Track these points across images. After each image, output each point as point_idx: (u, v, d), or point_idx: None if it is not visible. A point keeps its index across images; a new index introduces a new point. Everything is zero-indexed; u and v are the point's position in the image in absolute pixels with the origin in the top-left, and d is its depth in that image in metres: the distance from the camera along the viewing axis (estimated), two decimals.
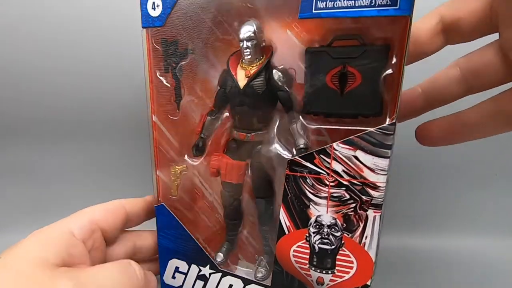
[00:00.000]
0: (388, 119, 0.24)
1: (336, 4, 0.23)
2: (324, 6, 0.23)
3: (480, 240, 0.48)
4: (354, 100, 0.25)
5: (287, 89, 0.28)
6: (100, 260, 0.29)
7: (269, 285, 0.30)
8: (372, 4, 0.22)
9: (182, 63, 0.30)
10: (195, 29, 0.29)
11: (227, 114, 0.31)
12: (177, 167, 0.33)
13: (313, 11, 0.23)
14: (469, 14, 0.24)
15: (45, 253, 0.23)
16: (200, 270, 0.34)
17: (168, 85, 0.31)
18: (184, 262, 0.34)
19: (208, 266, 0.33)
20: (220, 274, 0.33)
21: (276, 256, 0.29)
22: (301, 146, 0.28)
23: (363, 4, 0.22)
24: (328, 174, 0.25)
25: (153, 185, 0.34)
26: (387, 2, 0.21)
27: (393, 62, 0.23)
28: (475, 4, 0.24)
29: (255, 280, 0.32)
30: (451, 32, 0.25)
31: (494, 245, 0.47)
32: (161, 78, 0.31)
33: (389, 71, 0.23)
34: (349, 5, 0.22)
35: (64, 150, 0.48)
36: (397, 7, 0.21)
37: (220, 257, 0.34)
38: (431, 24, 0.25)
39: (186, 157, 0.33)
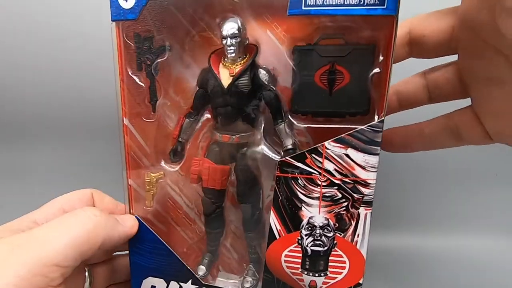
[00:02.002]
0: (376, 117, 0.24)
1: (325, 1, 0.22)
2: (314, 3, 0.23)
3: (480, 240, 0.47)
4: (342, 99, 0.25)
5: (273, 88, 0.27)
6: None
7: None
8: (361, 3, 0.22)
9: (159, 60, 0.28)
10: (172, 24, 0.26)
11: (207, 116, 0.29)
12: (152, 174, 0.30)
13: (303, 8, 0.23)
14: (433, 34, 0.25)
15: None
16: (180, 287, 0.31)
17: (142, 84, 0.28)
18: (162, 280, 0.31)
19: (190, 281, 0.30)
20: None
21: (267, 263, 0.28)
22: (289, 146, 0.27)
23: (352, 3, 0.22)
24: (320, 173, 0.25)
25: (124, 196, 0.30)
26: (375, 1, 0.22)
27: (380, 61, 0.24)
28: (439, 25, 0.25)
29: None
30: (415, 46, 0.26)
31: (494, 245, 0.46)
32: (133, 77, 0.28)
33: (377, 70, 0.24)
34: (338, 3, 0.22)
35: (63, 150, 0.48)
36: (385, 6, 0.22)
37: (202, 270, 0.31)
38: (400, 33, 0.26)
39: (163, 163, 0.30)
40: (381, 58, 0.24)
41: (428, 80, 0.28)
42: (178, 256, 0.30)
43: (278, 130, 0.27)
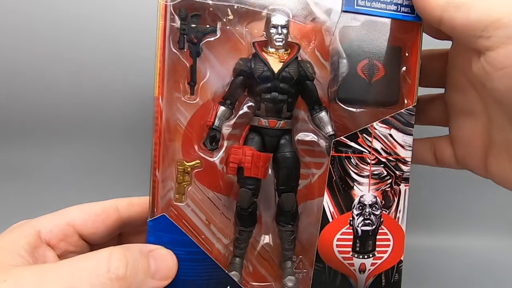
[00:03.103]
0: (406, 103, 0.29)
1: (372, 4, 0.27)
2: (364, 5, 0.27)
3: (480, 240, 0.47)
4: (379, 89, 0.29)
5: (313, 78, 0.29)
6: None
7: None
8: (398, 10, 0.27)
9: (208, 39, 0.26)
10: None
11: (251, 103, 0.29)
12: (186, 163, 0.27)
13: (355, 7, 0.27)
14: (429, 64, 0.30)
15: (4, 256, 0.21)
16: None
17: (186, 62, 0.26)
18: None
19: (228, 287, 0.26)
20: None
21: (318, 250, 0.27)
22: (331, 132, 0.29)
23: (392, 9, 0.27)
24: (369, 152, 0.27)
25: (149, 191, 0.25)
26: (408, 10, 0.27)
27: (406, 58, 0.29)
28: (433, 61, 0.30)
29: None
30: None
31: (494, 245, 0.47)
32: (176, 52, 0.26)
33: (404, 67, 0.29)
34: (381, 8, 0.27)
35: (64, 150, 0.46)
36: (415, 15, 0.28)
37: (236, 276, 0.27)
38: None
39: (201, 153, 0.27)
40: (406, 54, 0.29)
41: (417, 106, 0.34)
42: (215, 260, 0.26)
43: (319, 118, 0.29)
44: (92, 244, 0.26)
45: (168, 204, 0.27)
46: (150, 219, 0.25)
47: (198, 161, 0.27)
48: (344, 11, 0.27)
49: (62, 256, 0.24)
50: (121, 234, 0.29)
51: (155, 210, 0.26)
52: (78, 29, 0.42)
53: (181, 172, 0.26)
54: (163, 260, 0.24)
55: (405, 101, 0.29)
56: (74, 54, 0.43)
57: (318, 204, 0.28)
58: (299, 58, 0.29)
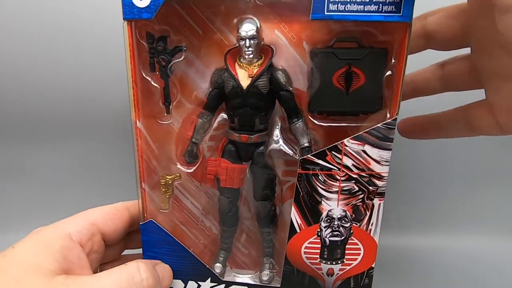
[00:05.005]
0: (389, 115, 0.27)
1: (346, 7, 0.24)
2: (336, 9, 0.24)
3: (480, 240, 0.47)
4: (358, 99, 0.27)
5: (289, 88, 0.28)
6: (98, 263, 0.28)
7: (279, 286, 0.30)
8: (380, 10, 0.24)
9: (175, 61, 0.27)
10: (190, 24, 0.26)
11: (223, 116, 0.30)
12: (167, 176, 0.30)
13: (325, 13, 0.24)
14: (446, 30, 0.27)
15: (41, 259, 0.23)
16: (199, 286, 0.31)
17: (157, 85, 0.28)
18: (179, 281, 0.31)
19: (209, 279, 0.31)
20: (223, 285, 0.31)
21: (287, 256, 0.29)
22: (306, 144, 0.28)
23: (371, 10, 0.24)
24: (339, 169, 0.27)
25: (138, 201, 0.30)
26: (392, 9, 0.23)
27: (392, 63, 0.26)
28: (451, 23, 0.27)
29: (262, 284, 0.31)
30: (431, 40, 0.28)
31: (494, 245, 0.47)
32: (147, 78, 0.27)
33: (389, 72, 0.26)
34: (359, 9, 0.24)
35: (64, 150, 0.48)
36: (401, 14, 0.24)
37: (219, 267, 0.32)
38: (415, 26, 0.27)
39: (178, 165, 0.30)
40: (393, 60, 0.26)
41: (444, 71, 0.30)
42: (197, 256, 0.30)
43: (295, 128, 0.28)
44: (107, 244, 0.29)
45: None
46: (141, 223, 0.30)
47: (178, 174, 0.30)
48: (313, 19, 0.24)
49: (87, 255, 0.26)
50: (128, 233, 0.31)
51: (145, 215, 0.30)
52: (76, 29, 0.43)
53: (163, 185, 0.30)
54: (166, 272, 0.29)
55: (387, 114, 0.26)
56: (72, 55, 0.44)
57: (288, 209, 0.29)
58: (274, 65, 0.28)
